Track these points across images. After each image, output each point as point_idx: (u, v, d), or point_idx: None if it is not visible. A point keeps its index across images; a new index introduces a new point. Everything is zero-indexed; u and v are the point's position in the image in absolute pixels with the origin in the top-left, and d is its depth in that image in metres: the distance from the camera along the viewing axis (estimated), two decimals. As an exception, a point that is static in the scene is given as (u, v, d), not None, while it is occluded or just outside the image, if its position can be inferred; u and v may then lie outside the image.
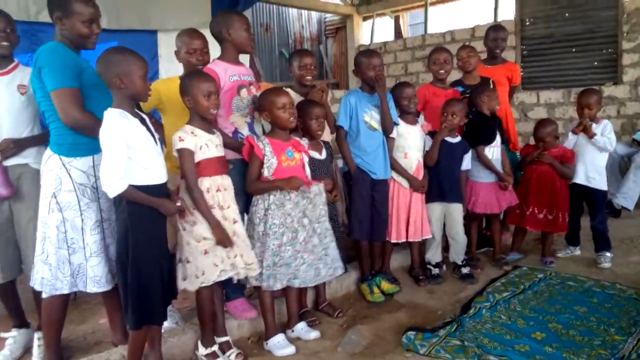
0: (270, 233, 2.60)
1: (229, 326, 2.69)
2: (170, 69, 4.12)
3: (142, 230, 2.18)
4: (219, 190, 2.45)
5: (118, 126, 2.10)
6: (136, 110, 2.27)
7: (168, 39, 4.20)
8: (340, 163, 3.51)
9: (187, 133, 2.40)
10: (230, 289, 2.79)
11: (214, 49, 2.94)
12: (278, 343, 2.65)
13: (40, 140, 2.66)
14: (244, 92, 2.83)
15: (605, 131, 3.70)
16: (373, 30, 9.47)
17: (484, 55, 4.40)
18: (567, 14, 6.81)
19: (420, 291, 3.45)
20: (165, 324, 2.51)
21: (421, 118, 3.89)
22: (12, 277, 2.72)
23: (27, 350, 2.72)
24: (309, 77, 3.17)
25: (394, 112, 3.33)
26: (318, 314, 3.05)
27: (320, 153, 3.05)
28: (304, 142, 2.83)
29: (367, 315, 3.07)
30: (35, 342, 2.62)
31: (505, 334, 2.70)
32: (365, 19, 9.59)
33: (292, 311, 2.82)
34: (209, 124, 2.50)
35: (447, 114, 3.47)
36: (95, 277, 2.38)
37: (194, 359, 2.58)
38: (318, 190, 2.73)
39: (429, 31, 8.52)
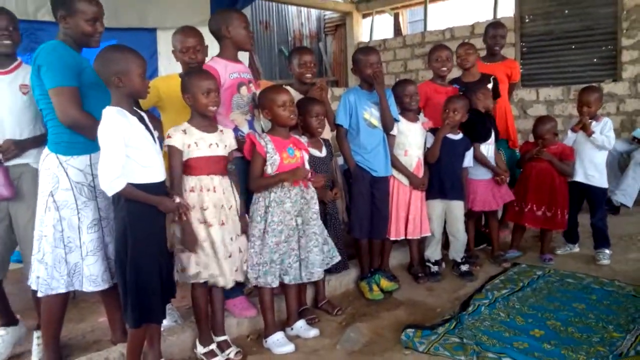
0: (270, 230, 2.60)
1: (228, 324, 2.70)
2: (170, 66, 4.12)
3: (141, 228, 2.17)
4: (209, 191, 2.42)
5: (116, 124, 2.10)
6: (134, 108, 2.26)
7: (167, 36, 4.16)
8: (340, 161, 3.52)
9: (178, 131, 2.41)
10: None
11: (213, 47, 2.93)
12: (277, 341, 2.65)
13: (42, 140, 2.66)
14: (243, 89, 2.83)
15: (604, 129, 3.69)
16: (372, 28, 9.46)
17: (483, 53, 4.40)
18: (566, 11, 6.81)
19: (419, 289, 3.45)
20: (165, 323, 2.51)
21: (421, 115, 3.89)
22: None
23: (26, 350, 2.72)
24: (308, 75, 3.17)
25: (394, 109, 3.32)
26: (317, 311, 3.05)
27: (320, 151, 3.06)
28: (304, 139, 2.83)
29: (366, 313, 3.07)
30: (35, 341, 2.62)
31: (504, 331, 2.71)
32: (364, 16, 9.58)
33: (291, 309, 2.83)
34: (209, 122, 2.49)
35: (449, 111, 3.47)
36: (92, 276, 2.38)
37: (192, 357, 2.58)
38: (313, 193, 2.74)
39: (429, 28, 8.52)
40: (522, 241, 4.11)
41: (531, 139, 4.00)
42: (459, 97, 3.58)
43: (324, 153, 3.07)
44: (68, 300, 2.51)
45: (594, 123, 3.73)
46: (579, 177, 3.77)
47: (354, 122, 3.27)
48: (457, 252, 3.65)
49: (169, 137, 2.40)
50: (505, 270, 3.65)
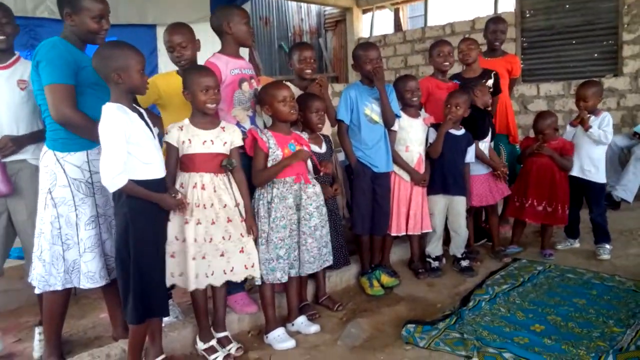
0: (274, 226, 2.61)
1: (229, 320, 2.70)
2: (169, 63, 4.05)
3: (143, 224, 2.18)
4: (194, 188, 2.40)
5: (117, 120, 2.10)
6: (134, 105, 2.26)
7: (167, 33, 4.20)
8: (341, 156, 3.52)
9: (175, 127, 2.42)
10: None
11: (215, 43, 2.92)
12: (278, 337, 2.66)
13: (39, 136, 2.66)
14: (245, 85, 2.83)
15: (602, 124, 3.68)
16: (373, 23, 9.44)
17: (483, 48, 4.38)
18: (567, 6, 6.78)
19: (420, 284, 3.46)
20: (166, 319, 2.52)
21: (422, 111, 3.88)
22: None
23: (27, 346, 2.73)
24: (308, 71, 3.17)
25: (395, 105, 3.32)
26: (318, 307, 3.06)
27: (321, 147, 3.06)
28: (304, 135, 2.83)
29: (367, 309, 3.08)
30: (36, 337, 2.64)
31: (504, 327, 2.71)
32: (364, 11, 9.56)
33: (292, 305, 2.83)
34: (210, 119, 2.49)
35: (451, 106, 3.46)
36: (89, 273, 2.38)
37: (194, 353, 2.59)
38: (314, 191, 2.74)
39: (429, 24, 8.50)
40: (523, 237, 4.11)
41: (532, 134, 3.99)
42: (460, 92, 3.56)
43: (324, 149, 3.07)
44: (70, 297, 2.52)
45: (592, 118, 3.72)
46: (575, 172, 3.77)
47: (355, 117, 3.26)
48: (458, 247, 3.65)
49: (166, 133, 2.41)
50: (505, 266, 3.65)
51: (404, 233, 3.50)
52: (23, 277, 2.79)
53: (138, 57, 2.18)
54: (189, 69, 2.55)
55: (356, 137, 3.28)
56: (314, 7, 10.46)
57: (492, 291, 3.15)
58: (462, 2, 9.16)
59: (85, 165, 2.38)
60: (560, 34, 6.85)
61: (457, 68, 4.21)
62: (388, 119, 3.27)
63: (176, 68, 2.81)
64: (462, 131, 3.58)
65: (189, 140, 2.40)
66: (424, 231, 3.56)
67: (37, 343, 2.62)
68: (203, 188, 2.41)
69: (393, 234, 3.48)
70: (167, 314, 2.41)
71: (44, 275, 2.36)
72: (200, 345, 2.54)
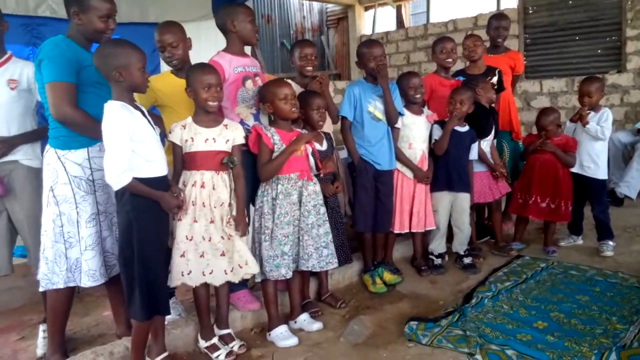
0: (278, 223, 2.61)
1: (232, 317, 2.71)
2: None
3: (147, 222, 2.18)
4: (194, 186, 2.39)
5: (121, 118, 2.10)
6: (135, 103, 2.26)
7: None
8: (343, 154, 3.51)
9: (178, 126, 2.43)
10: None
11: (217, 42, 2.92)
12: (281, 334, 2.66)
13: (32, 137, 2.65)
14: (249, 83, 2.82)
15: (601, 120, 3.67)
16: (375, 20, 9.42)
17: (486, 45, 4.36)
18: (570, 2, 6.76)
19: (423, 281, 3.45)
20: (168, 316, 2.52)
21: (425, 108, 3.87)
22: None
23: (31, 343, 2.74)
24: (309, 68, 3.16)
25: (399, 102, 3.31)
26: (320, 305, 3.06)
27: (321, 144, 3.05)
28: (305, 133, 2.83)
29: (370, 306, 3.08)
30: (40, 334, 2.65)
31: (507, 324, 2.71)
32: (367, 8, 9.53)
33: (294, 302, 2.83)
34: (213, 116, 2.49)
35: (455, 102, 3.45)
36: (90, 271, 2.38)
37: (197, 350, 2.59)
38: (314, 189, 2.74)
39: (431, 20, 8.49)
40: (526, 233, 4.11)
41: (534, 131, 3.98)
42: (464, 89, 3.55)
43: (325, 146, 3.06)
44: (73, 295, 2.53)
45: (592, 113, 3.71)
46: (576, 168, 3.75)
47: (358, 115, 3.26)
48: (460, 244, 3.65)
49: (170, 132, 2.42)
50: (508, 263, 3.65)
51: (407, 230, 3.50)
52: (26, 275, 2.81)
53: (139, 55, 2.18)
54: (192, 67, 2.55)
55: (359, 134, 3.28)
56: (316, 5, 10.44)
57: (494, 288, 3.15)
58: (465, -2, 9.14)
59: (86, 162, 2.38)
60: (563, 30, 6.83)
61: (459, 65, 4.19)
62: (391, 117, 3.27)
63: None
64: (466, 128, 3.57)
65: (192, 138, 2.41)
66: (427, 229, 3.55)
67: (41, 340, 2.63)
68: (203, 186, 2.41)
69: (396, 231, 3.47)
70: (169, 313, 2.42)
71: (47, 273, 2.37)
72: (203, 343, 2.55)
